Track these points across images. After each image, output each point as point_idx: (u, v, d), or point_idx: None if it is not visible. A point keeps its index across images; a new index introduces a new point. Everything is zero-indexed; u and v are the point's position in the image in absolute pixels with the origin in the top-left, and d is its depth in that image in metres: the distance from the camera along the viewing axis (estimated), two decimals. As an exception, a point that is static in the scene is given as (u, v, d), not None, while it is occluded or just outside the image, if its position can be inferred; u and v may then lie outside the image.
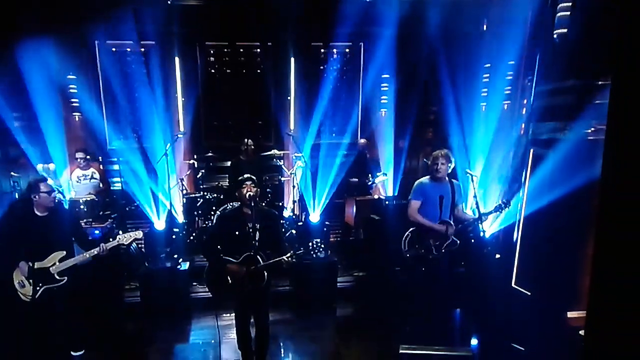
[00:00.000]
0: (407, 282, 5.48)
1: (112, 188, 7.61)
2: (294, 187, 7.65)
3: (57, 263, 4.50)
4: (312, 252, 4.64)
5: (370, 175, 7.78)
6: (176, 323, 5.73)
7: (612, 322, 1.74)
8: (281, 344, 5.25)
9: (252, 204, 4.07)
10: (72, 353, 4.83)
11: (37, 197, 4.44)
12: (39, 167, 6.39)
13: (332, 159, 8.17)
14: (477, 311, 5.58)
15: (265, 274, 4.13)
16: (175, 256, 6.22)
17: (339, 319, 6.06)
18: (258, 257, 4.08)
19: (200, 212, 7.41)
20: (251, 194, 4.08)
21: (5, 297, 4.61)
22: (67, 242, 4.66)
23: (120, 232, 4.73)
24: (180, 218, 7.32)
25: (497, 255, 5.82)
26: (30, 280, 4.42)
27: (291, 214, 7.63)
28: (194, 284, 6.37)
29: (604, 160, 1.71)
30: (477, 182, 5.06)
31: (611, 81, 1.78)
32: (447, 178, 4.95)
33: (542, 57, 5.65)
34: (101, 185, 7.04)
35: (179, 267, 6.09)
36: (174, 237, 6.56)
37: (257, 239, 4.09)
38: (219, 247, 4.22)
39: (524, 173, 5.56)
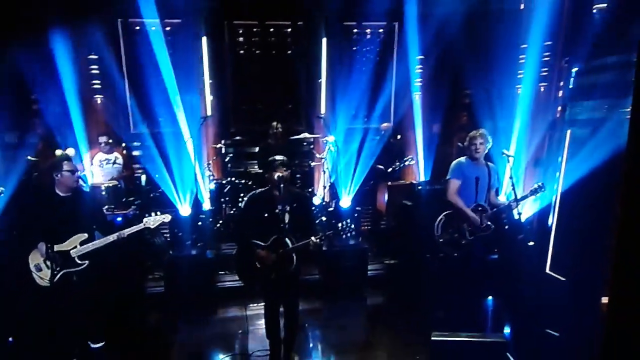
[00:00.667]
0: (439, 269, 5.45)
1: (135, 174, 7.30)
2: (324, 172, 7.30)
3: (78, 246, 4.27)
4: (342, 234, 4.36)
5: (397, 161, 7.39)
6: (201, 313, 5.50)
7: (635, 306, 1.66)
8: (309, 333, 5.08)
9: (282, 186, 3.95)
10: (91, 345, 4.58)
11: (59, 175, 4.21)
12: (58, 152, 6.07)
13: (364, 144, 7.88)
14: (510, 297, 5.43)
15: (294, 257, 4.02)
16: (201, 244, 5.95)
17: (368, 308, 5.89)
18: (287, 240, 3.98)
19: (227, 198, 7.07)
20: (281, 175, 3.97)
21: (20, 281, 4.36)
22: (89, 225, 4.42)
23: (147, 215, 4.41)
24: (207, 204, 7.02)
25: (531, 243, 5.59)
26: (48, 263, 4.17)
27: (321, 200, 7.25)
28: (221, 272, 6.11)
29: (628, 141, 1.63)
30: (513, 162, 4.89)
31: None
32: (483, 160, 4.89)
33: (581, 33, 5.54)
34: (124, 171, 6.71)
35: (205, 255, 5.84)
36: (199, 224, 6.23)
37: (286, 221, 4.00)
38: (247, 230, 4.13)
39: (560, 155, 5.41)
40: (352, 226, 4.24)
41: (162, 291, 5.73)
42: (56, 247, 4.19)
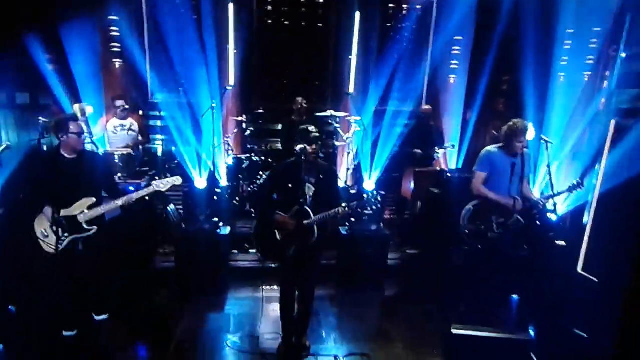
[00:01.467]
0: (462, 261, 5.28)
1: (151, 145, 6.99)
2: (348, 153, 6.94)
3: (86, 211, 4.00)
4: (367, 205, 4.06)
5: (436, 146, 6.96)
6: (212, 292, 5.25)
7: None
8: (322, 320, 4.82)
9: (311, 158, 3.84)
10: (95, 316, 4.35)
11: (65, 137, 3.93)
12: (76, 107, 5.74)
13: (393, 128, 7.60)
14: (536, 295, 5.12)
15: (316, 230, 3.88)
16: (216, 219, 5.63)
17: (386, 298, 5.58)
18: (310, 211, 3.87)
19: (245, 174, 6.75)
20: (312, 148, 3.82)
21: (25, 247, 4.13)
22: (98, 188, 4.15)
23: (157, 177, 4.11)
24: (224, 180, 6.74)
25: (563, 243, 5.38)
26: (55, 229, 3.89)
27: (344, 184, 6.91)
28: (234, 251, 5.84)
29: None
30: (552, 149, 4.58)
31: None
32: None
33: (632, 19, 5.37)
34: (140, 137, 6.39)
35: (218, 230, 5.50)
36: (215, 198, 5.92)
37: (311, 193, 3.91)
38: (270, 200, 4.04)
39: (602, 149, 5.20)
40: (379, 199, 3.99)
41: (172, 266, 5.46)
42: (63, 212, 3.93)
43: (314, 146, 3.82)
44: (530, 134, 4.45)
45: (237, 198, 6.65)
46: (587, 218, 5.23)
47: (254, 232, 4.13)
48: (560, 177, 5.90)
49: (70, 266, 4.06)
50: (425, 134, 7.11)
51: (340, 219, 4.02)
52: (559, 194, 4.59)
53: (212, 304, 5.05)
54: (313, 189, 3.91)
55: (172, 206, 6.36)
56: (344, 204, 3.88)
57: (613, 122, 5.14)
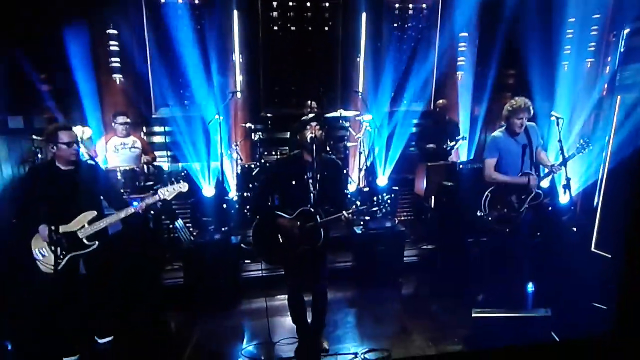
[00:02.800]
0: (480, 253, 5.25)
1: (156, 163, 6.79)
2: (360, 153, 6.74)
3: (86, 225, 3.86)
4: (377, 209, 3.68)
5: (448, 140, 6.75)
6: (223, 304, 5.05)
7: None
8: (339, 321, 4.65)
9: (315, 150, 3.49)
10: (98, 339, 4.19)
11: (55, 148, 3.77)
12: (78, 129, 5.53)
13: (404, 128, 7.45)
14: (555, 277, 5.00)
15: (322, 232, 3.59)
16: (225, 229, 5.47)
17: (404, 295, 5.46)
18: (315, 212, 3.55)
19: (255, 182, 6.49)
20: (314, 136, 3.52)
21: (22, 268, 3.95)
22: (98, 201, 4.02)
23: (156, 182, 3.91)
24: (233, 190, 6.57)
25: (574, 229, 5.54)
26: (53, 247, 3.67)
27: (357, 186, 6.75)
28: (247, 261, 5.64)
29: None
30: (563, 125, 4.45)
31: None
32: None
33: None
34: (144, 157, 6.15)
35: (229, 240, 5.34)
36: (224, 206, 5.68)
37: (316, 191, 3.58)
38: (271, 200, 3.80)
39: (608, 129, 5.32)
40: (389, 202, 3.70)
41: (181, 282, 5.25)
42: (61, 229, 3.75)
43: (317, 133, 3.52)
44: (530, 113, 4.43)
45: (248, 207, 6.41)
46: (597, 199, 5.38)
47: (253, 234, 3.83)
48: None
49: (70, 286, 3.88)
50: (441, 128, 6.91)
51: (348, 223, 3.68)
52: (571, 157, 4.51)
53: (224, 316, 4.84)
54: (318, 186, 3.59)
55: (180, 221, 6.13)
56: (346, 211, 3.55)
57: (619, 97, 5.22)
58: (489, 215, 4.61)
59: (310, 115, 3.72)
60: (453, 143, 6.68)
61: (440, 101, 7.03)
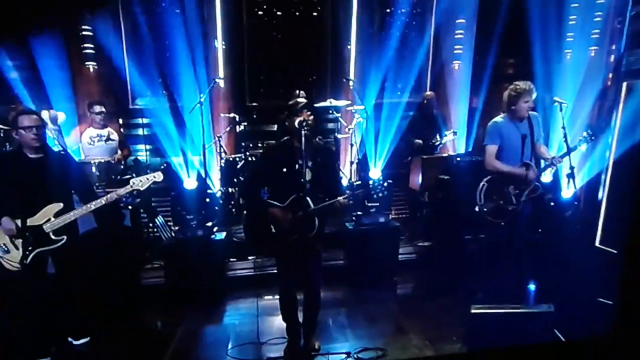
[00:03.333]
0: (478, 249, 5.18)
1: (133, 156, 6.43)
2: (352, 145, 6.46)
3: (52, 218, 3.55)
4: (373, 193, 3.63)
5: (437, 135, 6.48)
6: (207, 303, 4.82)
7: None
8: (331, 321, 4.49)
9: (305, 135, 3.34)
10: (72, 341, 3.93)
11: (16, 134, 3.50)
12: (44, 114, 5.14)
13: (397, 121, 7.08)
14: (558, 272, 4.88)
15: (316, 221, 3.46)
16: (210, 224, 5.14)
17: (399, 294, 5.32)
18: (308, 200, 3.41)
19: (240, 176, 6.18)
20: (304, 120, 3.35)
21: None
22: (66, 192, 3.70)
23: (134, 174, 3.63)
24: (217, 184, 6.30)
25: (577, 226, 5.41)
26: (17, 243, 3.48)
27: (348, 180, 6.46)
28: (232, 259, 5.36)
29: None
30: (566, 111, 4.35)
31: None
32: None
33: None
34: (120, 151, 5.81)
35: (213, 236, 5.04)
36: (207, 200, 5.40)
37: (308, 178, 3.46)
38: (261, 188, 3.59)
39: (614, 117, 5.25)
40: (385, 185, 3.58)
41: (162, 280, 4.99)
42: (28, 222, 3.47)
43: (307, 117, 3.36)
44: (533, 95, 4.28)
45: (232, 202, 6.12)
46: (602, 192, 5.31)
47: (244, 225, 3.73)
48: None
49: (38, 285, 3.59)
50: (428, 122, 6.59)
51: (342, 210, 3.63)
52: (573, 149, 4.35)
53: (208, 317, 4.63)
54: (310, 173, 3.47)
55: (160, 219, 5.80)
56: (346, 194, 3.49)
57: (625, 84, 5.13)
58: (485, 206, 4.43)
59: (300, 100, 3.62)
60: (437, 142, 6.42)
61: (428, 93, 6.76)
